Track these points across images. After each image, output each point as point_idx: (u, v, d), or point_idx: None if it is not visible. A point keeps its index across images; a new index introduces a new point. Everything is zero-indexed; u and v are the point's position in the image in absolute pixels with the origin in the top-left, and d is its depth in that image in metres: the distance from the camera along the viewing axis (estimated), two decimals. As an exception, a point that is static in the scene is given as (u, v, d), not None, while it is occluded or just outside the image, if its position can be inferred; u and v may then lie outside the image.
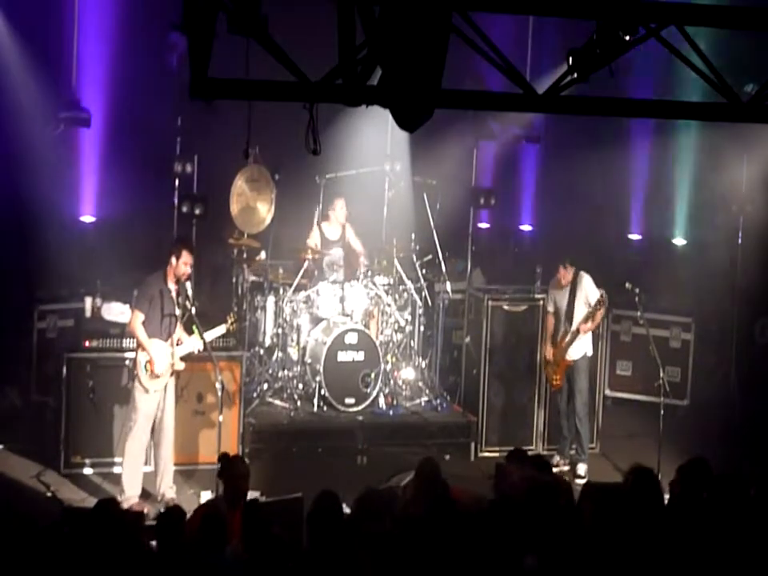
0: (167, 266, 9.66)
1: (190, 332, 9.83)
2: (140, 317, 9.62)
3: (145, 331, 9.60)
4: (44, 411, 11.22)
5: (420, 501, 7.04)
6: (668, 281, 13.37)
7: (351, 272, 12.21)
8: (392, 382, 11.97)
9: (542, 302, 11.76)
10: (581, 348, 11.10)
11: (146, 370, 9.57)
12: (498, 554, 6.17)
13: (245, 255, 12.10)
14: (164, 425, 9.72)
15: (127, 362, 10.34)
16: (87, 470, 10.35)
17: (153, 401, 9.63)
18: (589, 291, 11.01)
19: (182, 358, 9.77)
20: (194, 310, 9.67)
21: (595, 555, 6.36)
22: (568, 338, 11.03)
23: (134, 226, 12.73)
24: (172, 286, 9.69)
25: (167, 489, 9.78)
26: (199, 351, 9.81)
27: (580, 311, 11.02)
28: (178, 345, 9.73)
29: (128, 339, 10.48)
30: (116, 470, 10.14)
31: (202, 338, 9.70)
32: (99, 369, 10.47)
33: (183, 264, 9.63)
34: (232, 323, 10.11)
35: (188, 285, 9.77)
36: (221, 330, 10.05)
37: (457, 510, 6.64)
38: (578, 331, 10.95)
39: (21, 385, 11.80)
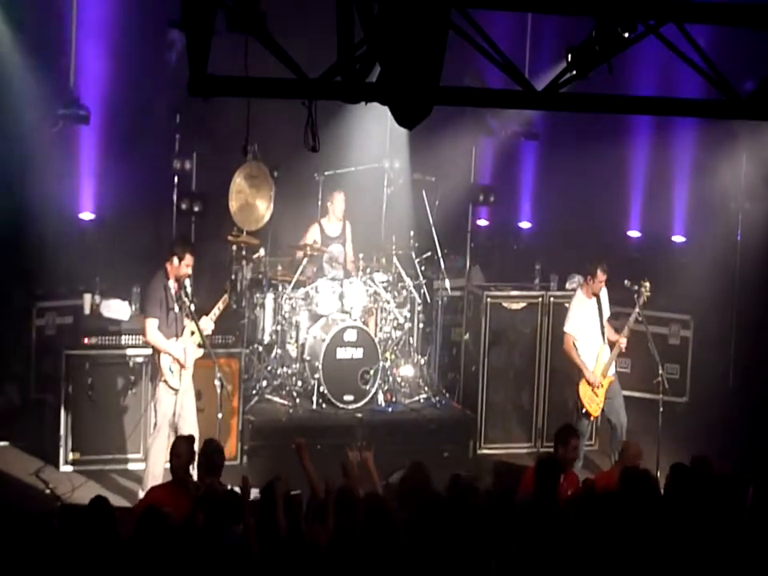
0: (167, 263, 9.67)
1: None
2: (155, 323, 9.60)
3: (162, 334, 9.63)
4: (43, 408, 11.20)
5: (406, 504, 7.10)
6: (667, 278, 13.36)
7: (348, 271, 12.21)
8: (391, 379, 11.97)
9: (540, 299, 11.77)
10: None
11: (172, 372, 9.60)
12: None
13: (244, 252, 12.09)
14: (186, 424, 9.69)
15: (125, 359, 10.41)
16: (86, 467, 10.35)
17: (174, 401, 9.66)
18: (606, 304, 10.82)
19: (198, 345, 9.83)
20: (192, 307, 9.69)
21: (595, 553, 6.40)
22: (609, 357, 10.68)
23: (133, 224, 12.73)
24: (172, 284, 9.71)
25: None
26: (201, 336, 9.80)
27: (606, 327, 10.77)
28: (192, 335, 9.78)
29: (127, 336, 10.51)
30: (116, 466, 10.16)
31: (202, 337, 9.73)
32: (98, 366, 10.49)
33: (185, 266, 9.67)
34: (227, 293, 10.16)
35: (187, 282, 9.80)
36: (223, 302, 10.08)
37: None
38: (615, 346, 10.62)
39: (20, 382, 11.80)
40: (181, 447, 8.15)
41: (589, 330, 10.78)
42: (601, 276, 10.66)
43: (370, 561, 6.27)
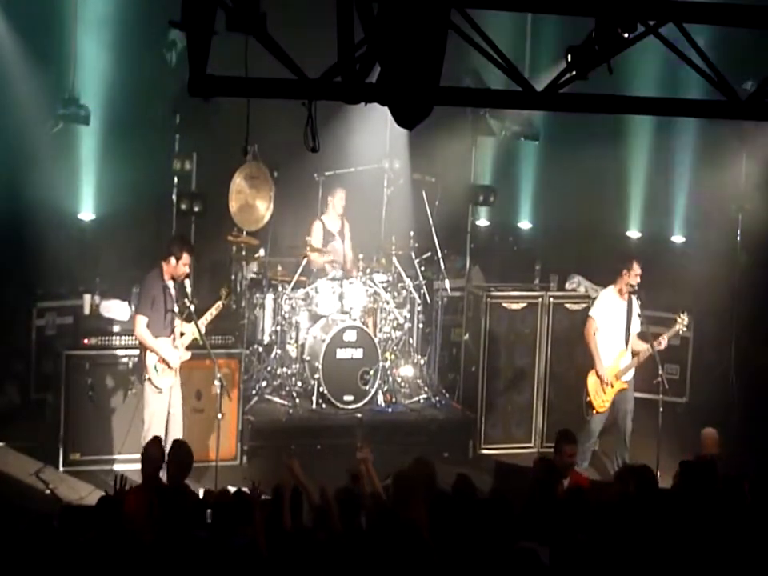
0: (164, 263, 9.66)
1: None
2: (144, 320, 9.61)
3: (150, 332, 9.61)
4: (43, 409, 11.22)
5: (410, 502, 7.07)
6: (667, 278, 13.36)
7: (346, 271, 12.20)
8: (391, 379, 11.97)
9: (540, 299, 11.77)
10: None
11: (157, 371, 9.59)
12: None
13: (244, 252, 12.10)
14: (173, 422, 9.70)
15: (124, 360, 10.41)
16: (86, 468, 10.35)
17: (164, 399, 9.65)
18: (637, 317, 10.72)
19: (187, 347, 9.82)
20: (192, 308, 9.68)
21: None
22: (628, 364, 10.66)
23: (133, 224, 12.73)
24: (170, 283, 9.71)
25: None
26: (201, 336, 9.80)
27: (631, 335, 10.72)
28: (181, 336, 9.77)
29: (127, 336, 10.50)
30: (115, 467, 10.14)
31: (203, 338, 9.71)
32: (98, 366, 10.49)
33: (183, 265, 9.66)
34: (226, 296, 10.13)
35: (187, 282, 9.78)
36: (216, 308, 10.05)
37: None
38: (635, 359, 10.64)
39: (20, 382, 11.80)
40: (152, 450, 8.06)
41: (612, 327, 10.72)
42: (637, 268, 10.62)
43: (375, 561, 6.27)
